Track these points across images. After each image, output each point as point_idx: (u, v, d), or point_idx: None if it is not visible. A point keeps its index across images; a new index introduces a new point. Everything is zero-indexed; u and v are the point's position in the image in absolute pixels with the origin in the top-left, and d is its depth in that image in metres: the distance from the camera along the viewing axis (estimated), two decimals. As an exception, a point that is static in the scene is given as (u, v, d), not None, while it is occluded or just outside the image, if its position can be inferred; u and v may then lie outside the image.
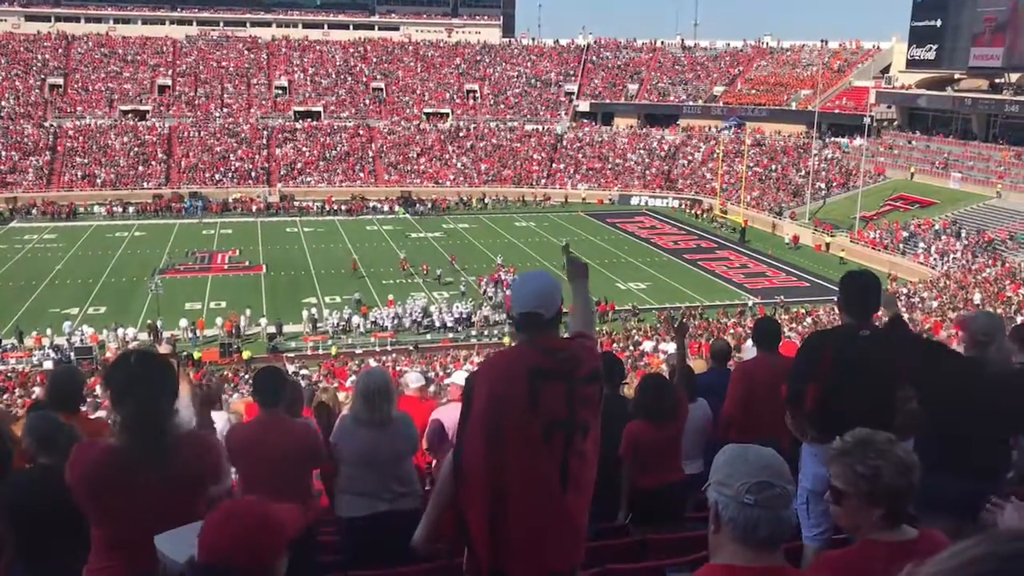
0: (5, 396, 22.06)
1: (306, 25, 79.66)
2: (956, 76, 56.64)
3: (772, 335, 5.76)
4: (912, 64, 57.99)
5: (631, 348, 27.15)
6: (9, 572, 3.30)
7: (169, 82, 69.53)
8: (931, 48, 55.58)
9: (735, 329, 28.29)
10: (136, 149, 60.68)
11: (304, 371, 25.42)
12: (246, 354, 29.21)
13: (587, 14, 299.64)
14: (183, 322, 31.84)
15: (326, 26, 79.73)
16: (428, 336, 32.20)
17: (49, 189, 56.13)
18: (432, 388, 11.62)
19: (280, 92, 71.02)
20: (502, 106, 72.73)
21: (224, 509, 1.99)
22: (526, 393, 2.77)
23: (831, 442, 2.38)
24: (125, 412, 2.80)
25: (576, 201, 61.20)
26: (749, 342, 10.63)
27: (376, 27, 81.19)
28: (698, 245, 48.07)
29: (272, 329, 31.18)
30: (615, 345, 27.25)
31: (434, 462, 5.63)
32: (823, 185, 54.51)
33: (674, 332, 6.12)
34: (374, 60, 76.08)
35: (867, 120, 52.87)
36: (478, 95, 74.23)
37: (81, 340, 29.94)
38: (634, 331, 31.03)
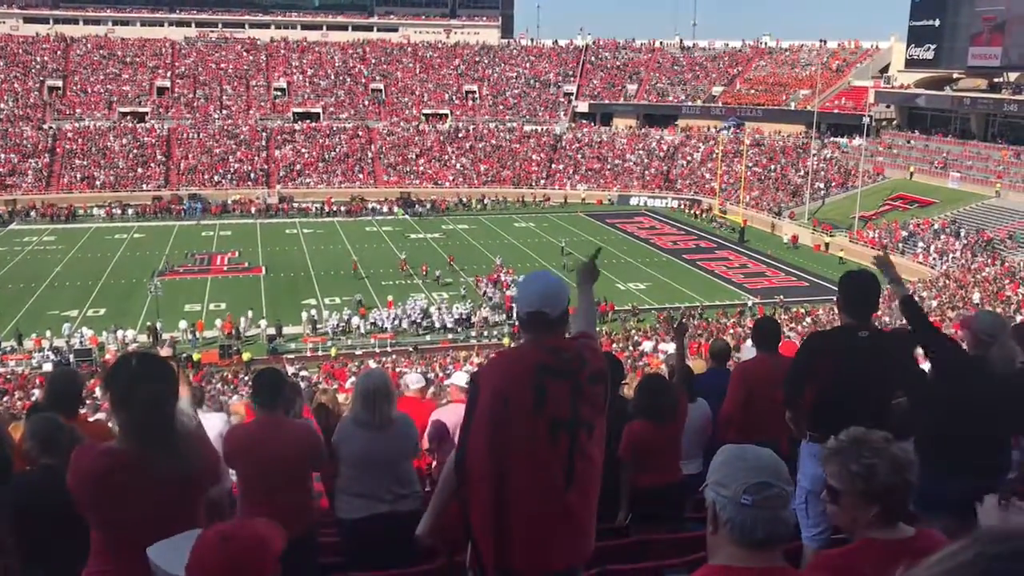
0: (5, 398, 22.06)
1: (305, 26, 79.64)
2: (955, 76, 56.69)
3: (772, 335, 5.77)
4: (911, 64, 58.02)
5: (630, 348, 27.17)
6: (7, 574, 3.30)
7: (168, 84, 69.52)
8: (930, 48, 55.61)
9: (734, 329, 28.31)
10: (135, 151, 60.67)
11: (304, 372, 25.43)
12: (246, 356, 29.21)
13: (586, 15, 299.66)
14: (183, 324, 31.83)
15: (325, 27, 79.70)
16: (428, 337, 32.20)
17: (48, 191, 56.13)
18: (431, 389, 11.62)
19: (279, 93, 71.03)
20: (501, 107, 72.74)
21: (215, 533, 1.99)
22: (531, 392, 2.79)
23: (829, 442, 2.38)
24: (127, 415, 2.79)
25: (575, 202, 61.22)
26: (747, 343, 10.64)
27: (375, 28, 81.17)
28: (697, 245, 48.08)
29: (272, 331, 31.18)
30: (615, 345, 27.26)
31: (434, 463, 5.63)
32: (822, 185, 54.53)
33: (673, 332, 6.13)
34: (373, 61, 76.09)
35: (866, 120, 52.95)
36: (477, 96, 74.24)
37: (81, 342, 29.92)
38: (633, 331, 31.04)
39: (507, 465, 2.79)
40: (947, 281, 35.05)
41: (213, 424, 5.40)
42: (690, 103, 70.83)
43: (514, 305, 31.65)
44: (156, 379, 2.82)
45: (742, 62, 75.34)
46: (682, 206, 59.15)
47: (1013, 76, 51.86)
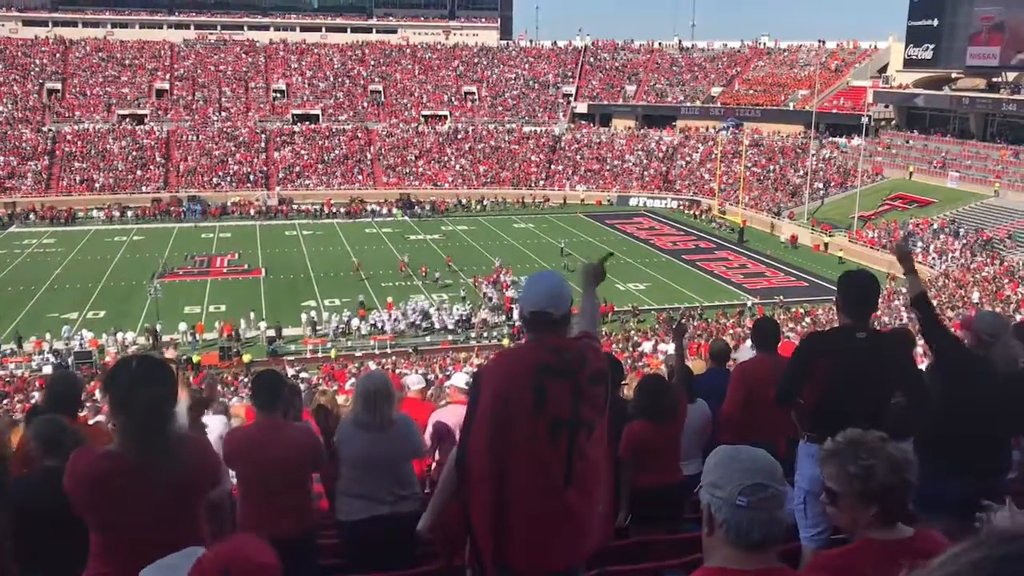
0: (4, 401, 22.06)
1: (303, 28, 79.65)
2: (953, 75, 56.71)
3: (771, 335, 5.77)
4: (909, 64, 58.02)
5: (630, 349, 27.17)
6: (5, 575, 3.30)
7: (167, 86, 69.51)
8: (928, 47, 55.61)
9: (734, 329, 28.32)
10: (134, 153, 60.67)
11: (304, 374, 25.43)
12: (246, 357, 29.20)
13: (584, 16, 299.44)
14: (182, 326, 31.83)
15: (324, 29, 79.72)
16: (428, 339, 32.19)
17: (48, 194, 56.11)
18: (431, 391, 11.60)
19: (278, 95, 71.03)
20: (500, 108, 72.75)
21: (215, 565, 1.97)
22: (532, 391, 2.80)
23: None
24: (127, 417, 2.78)
25: (575, 202, 61.22)
26: (745, 344, 10.63)
27: (374, 30, 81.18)
28: (697, 246, 48.08)
29: (271, 332, 31.17)
30: (614, 346, 27.25)
31: (434, 465, 5.63)
32: (821, 185, 54.54)
33: (673, 333, 6.13)
34: (372, 63, 76.10)
35: (865, 120, 52.94)
36: (476, 97, 74.25)
37: (80, 345, 29.90)
38: (633, 332, 31.04)
39: (507, 464, 2.80)
40: (946, 281, 35.07)
41: (213, 426, 5.41)
42: (689, 104, 70.85)
43: (514, 306, 31.66)
44: (156, 382, 2.82)
45: (741, 62, 75.37)
46: (681, 207, 59.17)
47: (1012, 76, 51.88)
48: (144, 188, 57.92)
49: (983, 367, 4.11)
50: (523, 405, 2.79)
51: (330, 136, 65.70)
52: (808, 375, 3.99)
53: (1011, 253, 37.87)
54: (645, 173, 64.34)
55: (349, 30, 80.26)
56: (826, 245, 45.69)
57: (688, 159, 65.03)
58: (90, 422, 7.24)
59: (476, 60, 78.49)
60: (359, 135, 66.31)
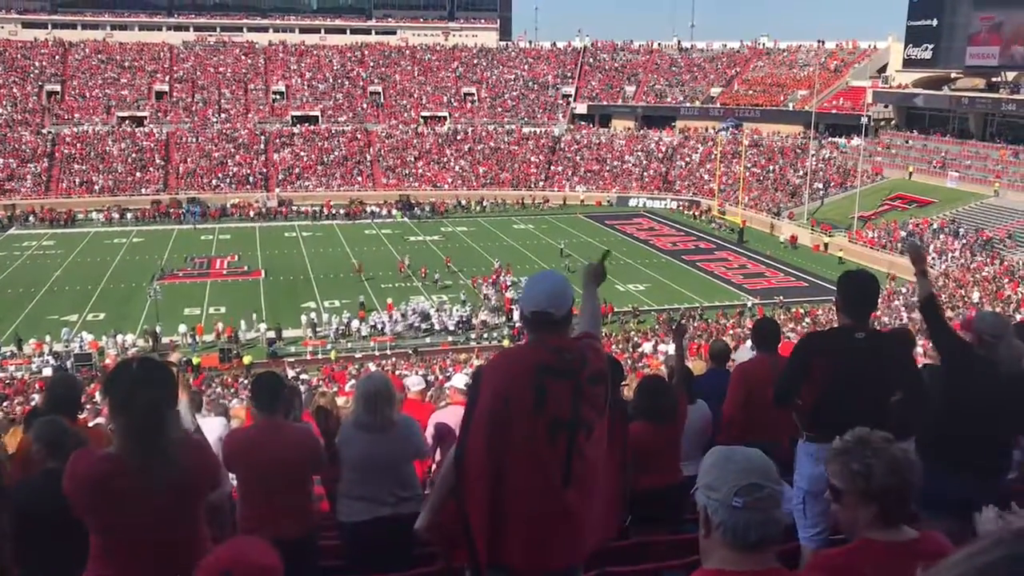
0: (4, 403, 22.05)
1: (303, 30, 79.66)
2: (953, 75, 56.71)
3: (771, 336, 5.77)
4: (909, 63, 58.02)
5: (630, 349, 27.17)
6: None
7: (166, 88, 69.52)
8: (928, 47, 55.62)
9: (734, 330, 28.31)
10: (134, 155, 60.68)
11: (304, 376, 25.42)
12: (247, 359, 29.19)
13: (584, 16, 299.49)
14: (182, 328, 31.81)
15: (323, 31, 79.74)
16: (428, 340, 32.19)
17: (47, 196, 56.10)
18: (431, 392, 11.60)
19: (278, 97, 71.04)
20: (500, 109, 72.76)
21: (218, 559, 1.97)
22: (532, 391, 2.80)
23: (830, 442, 2.38)
24: (126, 420, 2.78)
25: (574, 203, 61.21)
26: (744, 345, 10.63)
27: (373, 31, 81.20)
28: (696, 246, 48.07)
29: (271, 334, 31.16)
30: (614, 346, 27.25)
31: (433, 466, 5.63)
32: (821, 185, 54.54)
33: (673, 333, 6.13)
34: (371, 64, 76.10)
35: (864, 120, 52.94)
36: (475, 98, 74.25)
37: (80, 347, 29.89)
38: (633, 332, 31.03)
39: (505, 464, 2.80)
40: (946, 280, 35.05)
41: (213, 428, 5.41)
42: (688, 104, 70.85)
43: (514, 307, 31.64)
44: (156, 384, 2.82)
45: (740, 63, 75.37)
46: (681, 207, 59.17)
47: (1011, 75, 51.89)
48: (144, 190, 57.92)
49: (987, 367, 4.10)
50: (523, 405, 2.79)
51: (329, 137, 65.70)
52: (806, 375, 3.98)
53: (1011, 253, 37.87)
54: (645, 174, 64.34)
55: (348, 31, 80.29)
56: (826, 245, 45.68)
57: (688, 160, 65.03)
58: (90, 424, 7.24)
59: (475, 61, 78.50)
60: (358, 136, 66.31)
